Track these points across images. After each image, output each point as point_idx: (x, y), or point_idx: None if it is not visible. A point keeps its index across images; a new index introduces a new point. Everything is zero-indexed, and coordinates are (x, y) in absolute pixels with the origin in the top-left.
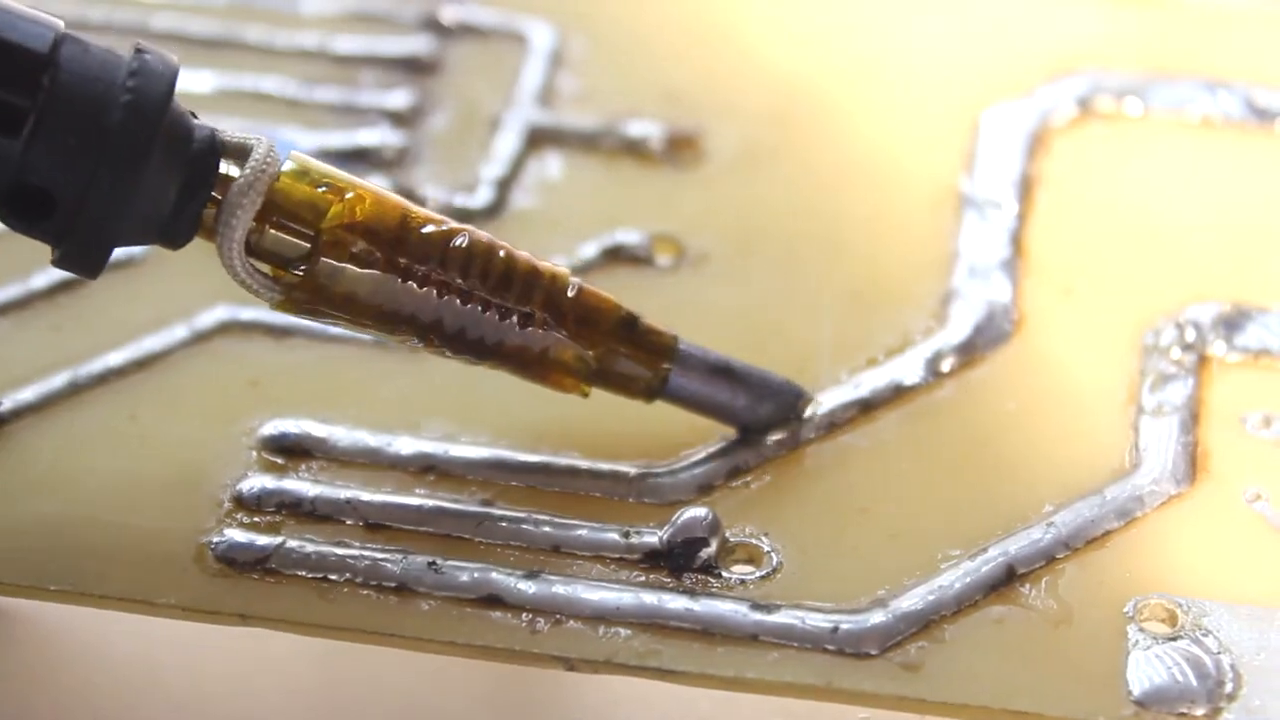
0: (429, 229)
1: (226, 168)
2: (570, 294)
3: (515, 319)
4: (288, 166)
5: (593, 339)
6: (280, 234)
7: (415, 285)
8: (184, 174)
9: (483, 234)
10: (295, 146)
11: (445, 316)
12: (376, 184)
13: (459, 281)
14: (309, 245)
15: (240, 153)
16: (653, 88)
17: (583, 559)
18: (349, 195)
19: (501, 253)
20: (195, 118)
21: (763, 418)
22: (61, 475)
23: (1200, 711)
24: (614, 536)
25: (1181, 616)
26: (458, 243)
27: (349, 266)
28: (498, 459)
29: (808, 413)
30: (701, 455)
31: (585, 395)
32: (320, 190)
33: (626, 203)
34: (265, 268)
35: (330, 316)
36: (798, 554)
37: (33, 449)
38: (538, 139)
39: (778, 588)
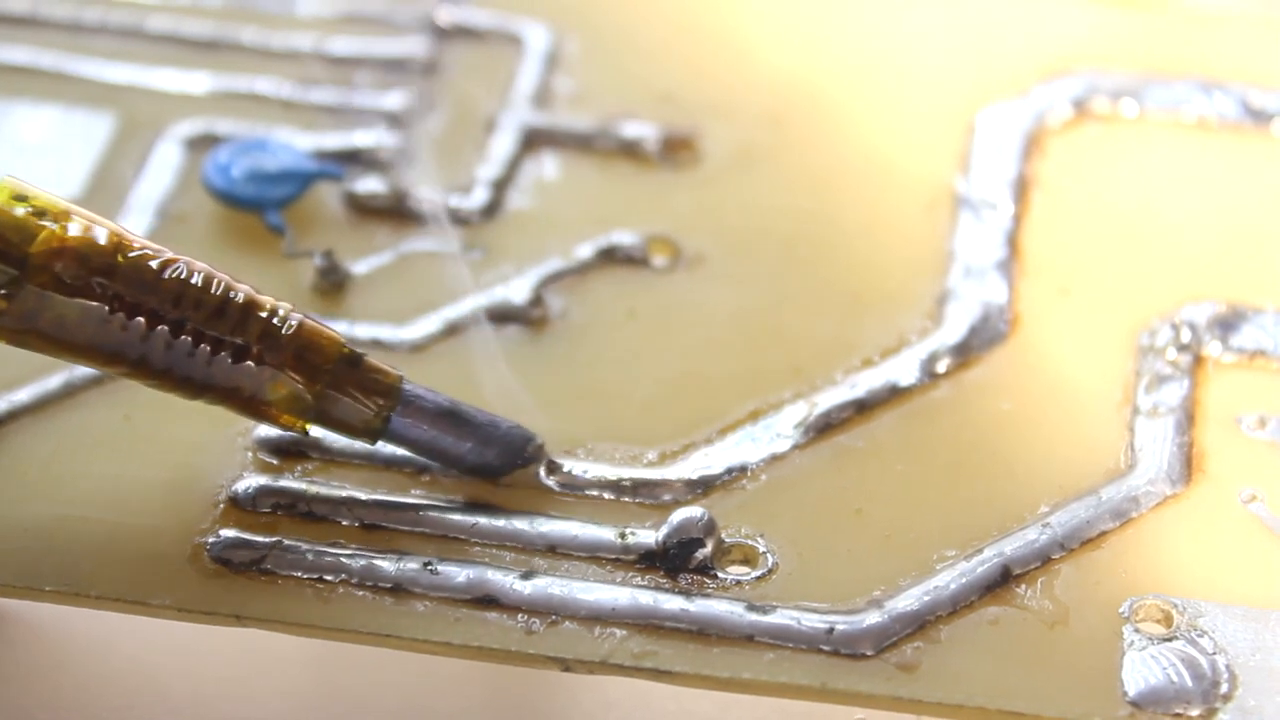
0: (143, 257)
1: None
2: (288, 330)
3: (228, 353)
4: None
5: (312, 375)
6: None
7: (125, 315)
8: None
9: (201, 264)
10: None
11: (153, 352)
12: (372, 184)
13: (171, 312)
14: (17, 271)
15: None
16: (648, 89)
17: (578, 559)
18: (61, 221)
19: (218, 284)
20: None
21: (490, 463)
22: (57, 476)
23: (1195, 712)
24: (610, 537)
25: (1177, 617)
26: (172, 272)
27: (56, 294)
28: None
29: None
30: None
31: (305, 434)
32: (31, 215)
33: (622, 204)
34: None
35: (40, 346)
36: (793, 555)
37: (28, 450)
38: (533, 140)
39: (773, 588)
